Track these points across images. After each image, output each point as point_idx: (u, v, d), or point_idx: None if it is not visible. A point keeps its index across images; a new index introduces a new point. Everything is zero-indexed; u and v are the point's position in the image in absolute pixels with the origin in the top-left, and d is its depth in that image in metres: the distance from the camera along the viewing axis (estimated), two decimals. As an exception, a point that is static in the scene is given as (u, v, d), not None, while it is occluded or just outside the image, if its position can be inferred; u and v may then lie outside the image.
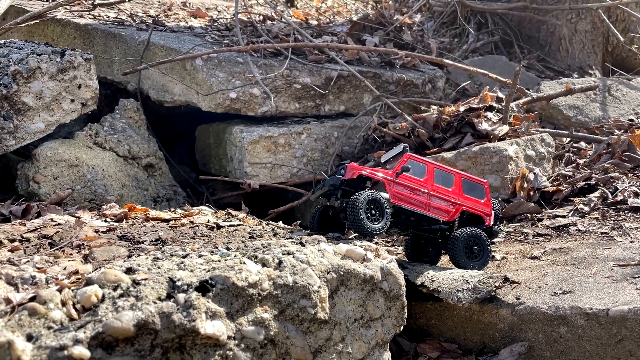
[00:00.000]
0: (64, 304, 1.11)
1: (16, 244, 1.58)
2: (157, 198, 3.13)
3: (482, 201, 1.86)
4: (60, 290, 1.16)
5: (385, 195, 1.67)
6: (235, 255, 1.33)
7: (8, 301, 1.12)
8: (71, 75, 2.67)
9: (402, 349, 1.73)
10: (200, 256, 1.36)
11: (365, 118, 3.36)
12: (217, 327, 1.12)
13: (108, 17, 3.65)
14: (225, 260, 1.28)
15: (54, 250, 1.53)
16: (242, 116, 3.27)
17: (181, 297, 1.12)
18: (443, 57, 3.98)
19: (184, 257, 1.34)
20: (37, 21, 3.30)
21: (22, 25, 3.23)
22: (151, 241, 1.62)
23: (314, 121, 3.31)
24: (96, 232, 1.71)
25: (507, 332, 1.65)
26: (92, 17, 3.54)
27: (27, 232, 1.66)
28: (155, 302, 1.10)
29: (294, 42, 3.21)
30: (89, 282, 1.17)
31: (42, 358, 0.97)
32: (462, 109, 3.09)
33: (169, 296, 1.13)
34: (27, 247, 1.55)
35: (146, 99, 3.32)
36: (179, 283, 1.16)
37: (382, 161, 1.94)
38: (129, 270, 1.21)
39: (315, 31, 3.85)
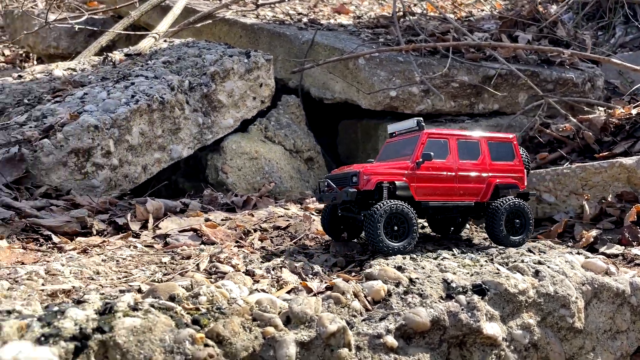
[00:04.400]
0: (356, 295, 1.25)
1: (258, 234, 1.78)
2: (316, 190, 3.32)
3: (513, 162, 1.64)
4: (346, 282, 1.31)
5: (410, 207, 1.42)
6: (485, 261, 1.42)
7: (308, 289, 1.29)
8: (255, 75, 2.90)
9: None
10: (445, 258, 1.46)
11: (520, 117, 3.32)
12: (495, 329, 1.21)
13: (266, 16, 3.87)
14: (482, 266, 1.37)
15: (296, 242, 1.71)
16: (393, 113, 3.36)
17: (462, 298, 1.23)
18: (595, 52, 3.80)
19: (435, 258, 1.45)
20: (209, 21, 3.58)
21: (198, 25, 3.53)
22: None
23: (469, 120, 3.33)
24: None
25: None
26: (255, 16, 3.77)
27: (262, 223, 1.86)
28: (440, 301, 1.22)
29: (454, 42, 3.23)
30: (370, 277, 1.32)
31: (364, 343, 1.11)
32: (634, 111, 2.96)
33: (449, 296, 1.24)
34: (271, 237, 1.75)
35: (304, 95, 3.51)
36: (453, 285, 1.27)
37: (389, 131, 1.71)
38: (399, 269, 1.34)
39: (465, 27, 3.83)
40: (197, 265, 1.41)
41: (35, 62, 5.59)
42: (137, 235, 1.71)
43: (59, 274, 1.27)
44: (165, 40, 3.38)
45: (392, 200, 1.42)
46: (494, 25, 3.97)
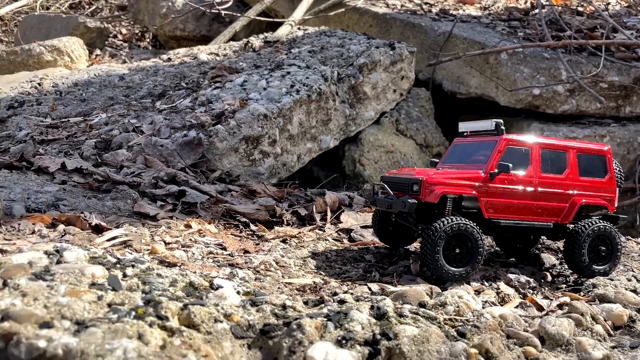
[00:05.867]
0: (593, 318, 1.19)
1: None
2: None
3: (605, 179, 1.41)
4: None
5: (477, 227, 1.22)
6: None
7: (537, 306, 1.24)
8: (398, 67, 2.85)
9: None
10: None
11: (672, 124, 3.07)
12: None
13: (395, 5, 3.80)
14: None
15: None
16: (529, 112, 3.20)
17: None
18: None
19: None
20: (342, 10, 3.55)
21: (331, 13, 3.52)
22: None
23: (615, 124, 3.12)
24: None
25: None
26: (385, 5, 3.71)
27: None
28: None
29: (608, 40, 3.02)
30: (605, 299, 1.25)
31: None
32: None
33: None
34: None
35: (436, 88, 3.42)
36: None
37: (460, 130, 1.50)
38: (634, 292, 1.26)
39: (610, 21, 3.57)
40: (408, 267, 1.39)
41: (149, 42, 5.83)
42: (320, 228, 1.73)
43: (288, 266, 1.29)
44: (299, 28, 3.40)
45: (455, 218, 1.23)
46: (639, 22, 3.68)
